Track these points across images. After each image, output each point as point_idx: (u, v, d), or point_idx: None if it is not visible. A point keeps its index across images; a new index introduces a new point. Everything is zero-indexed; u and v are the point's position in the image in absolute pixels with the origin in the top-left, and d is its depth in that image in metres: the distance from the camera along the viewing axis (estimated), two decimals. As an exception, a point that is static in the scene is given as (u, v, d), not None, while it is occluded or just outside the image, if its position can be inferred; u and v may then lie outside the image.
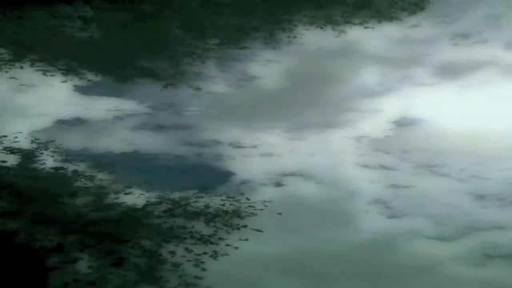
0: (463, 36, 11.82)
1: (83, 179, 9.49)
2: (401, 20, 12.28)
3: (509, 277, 8.37)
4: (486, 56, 11.50)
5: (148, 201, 9.21)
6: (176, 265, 8.16)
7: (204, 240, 8.73)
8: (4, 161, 9.68)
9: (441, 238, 8.94)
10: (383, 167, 10.11)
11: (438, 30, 11.97)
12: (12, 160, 9.77)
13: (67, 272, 7.70)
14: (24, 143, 10.17)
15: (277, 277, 8.31)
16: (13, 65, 11.78)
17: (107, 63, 11.93)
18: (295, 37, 12.28)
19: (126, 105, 11.20)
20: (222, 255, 8.52)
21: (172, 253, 8.34)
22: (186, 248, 8.48)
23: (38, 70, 11.67)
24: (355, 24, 12.61)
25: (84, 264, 7.86)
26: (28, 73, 11.61)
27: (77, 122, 10.81)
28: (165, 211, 9.06)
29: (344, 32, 12.18)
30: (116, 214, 8.82)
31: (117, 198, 9.14)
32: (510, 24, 11.82)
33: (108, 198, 9.18)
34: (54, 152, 10.06)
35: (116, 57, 12.08)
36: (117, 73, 11.73)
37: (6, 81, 11.44)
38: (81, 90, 11.41)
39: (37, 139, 10.31)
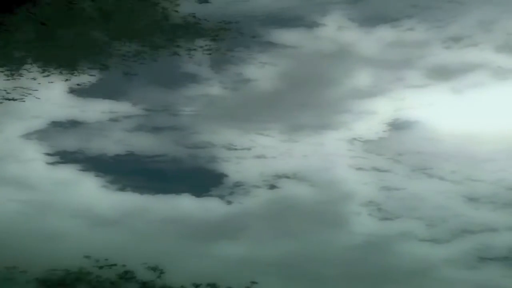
0: (455, 40, 11.88)
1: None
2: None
3: (502, 279, 8.43)
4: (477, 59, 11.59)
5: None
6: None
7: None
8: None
9: (433, 240, 9.00)
10: (376, 169, 10.14)
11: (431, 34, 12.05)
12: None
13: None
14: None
15: (271, 279, 8.36)
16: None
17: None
18: None
19: (121, 107, 11.21)
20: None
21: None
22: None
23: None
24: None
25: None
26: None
27: (72, 124, 10.84)
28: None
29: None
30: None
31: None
32: (500, 28, 11.86)
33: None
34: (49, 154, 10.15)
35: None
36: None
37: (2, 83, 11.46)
38: (77, 92, 11.42)
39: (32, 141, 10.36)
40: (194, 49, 11.51)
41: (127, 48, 11.28)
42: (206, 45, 11.61)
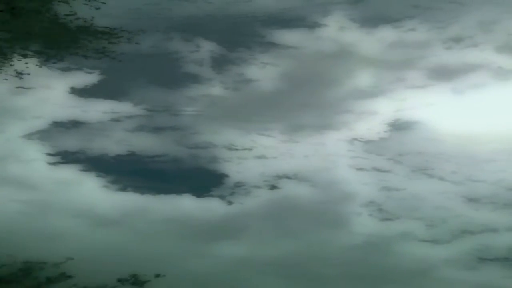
0: (456, 40, 11.91)
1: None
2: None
3: (502, 280, 8.44)
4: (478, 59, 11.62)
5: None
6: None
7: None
8: None
9: (433, 241, 9.01)
10: (376, 169, 10.15)
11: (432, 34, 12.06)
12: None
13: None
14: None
15: (272, 280, 8.38)
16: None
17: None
18: None
19: (122, 107, 11.22)
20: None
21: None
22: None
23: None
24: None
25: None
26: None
27: (73, 124, 10.85)
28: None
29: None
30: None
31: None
32: (501, 28, 11.88)
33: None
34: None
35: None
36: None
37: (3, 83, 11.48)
38: (78, 92, 11.42)
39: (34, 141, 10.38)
40: (94, 51, 11.61)
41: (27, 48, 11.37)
42: (103, 48, 11.68)
